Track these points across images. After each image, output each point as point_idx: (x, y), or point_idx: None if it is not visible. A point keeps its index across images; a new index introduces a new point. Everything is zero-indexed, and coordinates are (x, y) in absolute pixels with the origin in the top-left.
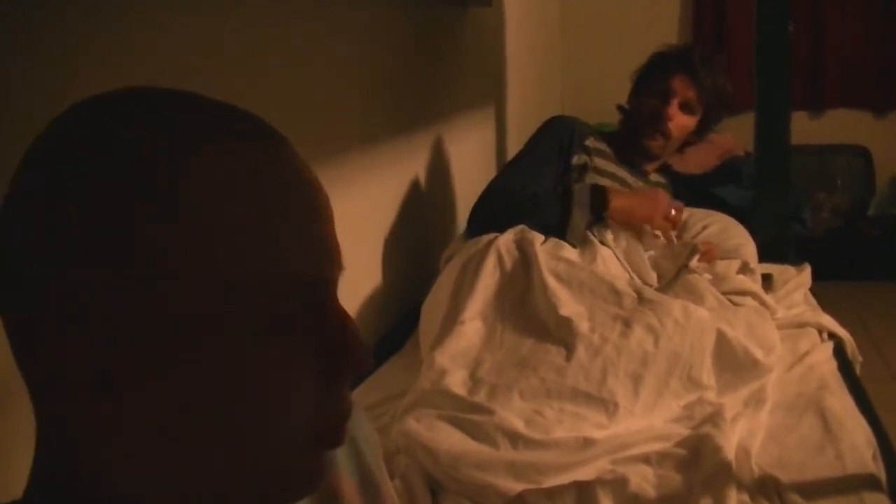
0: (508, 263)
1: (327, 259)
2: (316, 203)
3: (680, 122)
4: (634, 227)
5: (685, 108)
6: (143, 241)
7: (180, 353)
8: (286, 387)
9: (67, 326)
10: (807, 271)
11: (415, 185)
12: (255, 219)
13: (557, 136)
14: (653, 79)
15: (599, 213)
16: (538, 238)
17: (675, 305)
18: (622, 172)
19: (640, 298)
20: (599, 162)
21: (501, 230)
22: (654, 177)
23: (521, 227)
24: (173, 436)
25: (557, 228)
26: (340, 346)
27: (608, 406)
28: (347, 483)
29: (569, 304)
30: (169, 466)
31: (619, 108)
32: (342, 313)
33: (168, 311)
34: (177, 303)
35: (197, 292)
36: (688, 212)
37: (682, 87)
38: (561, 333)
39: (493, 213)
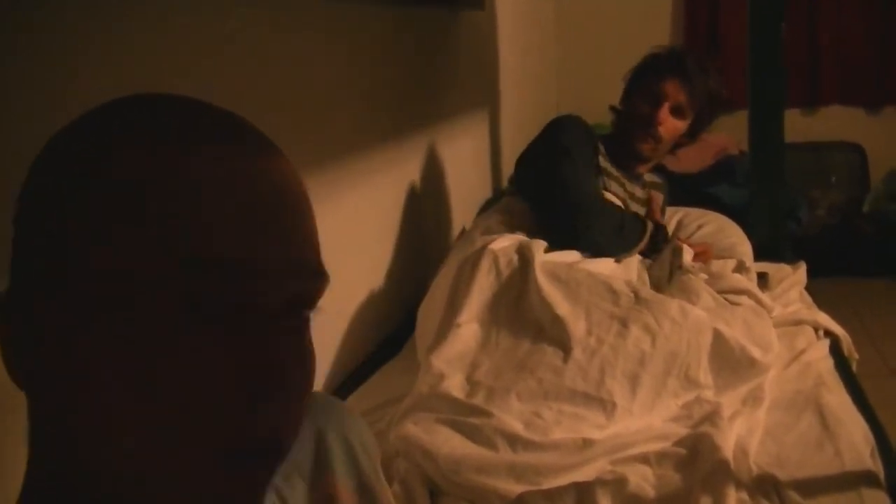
0: (504, 265)
1: (314, 256)
2: (305, 208)
3: (671, 125)
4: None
5: (676, 111)
6: (144, 244)
7: (181, 349)
8: (287, 379)
9: (67, 327)
10: (802, 269)
11: (410, 189)
12: (251, 221)
13: (588, 139)
14: (645, 81)
15: (657, 251)
16: (539, 244)
17: (673, 305)
18: (619, 176)
19: (637, 298)
20: (606, 165)
21: (594, 252)
22: (648, 177)
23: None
24: (172, 434)
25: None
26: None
27: (606, 406)
28: (344, 487)
29: (564, 305)
30: (168, 464)
31: (612, 108)
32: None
33: (168, 310)
34: (177, 302)
35: (197, 293)
36: (683, 212)
37: (673, 91)
38: (557, 334)
39: (586, 230)
